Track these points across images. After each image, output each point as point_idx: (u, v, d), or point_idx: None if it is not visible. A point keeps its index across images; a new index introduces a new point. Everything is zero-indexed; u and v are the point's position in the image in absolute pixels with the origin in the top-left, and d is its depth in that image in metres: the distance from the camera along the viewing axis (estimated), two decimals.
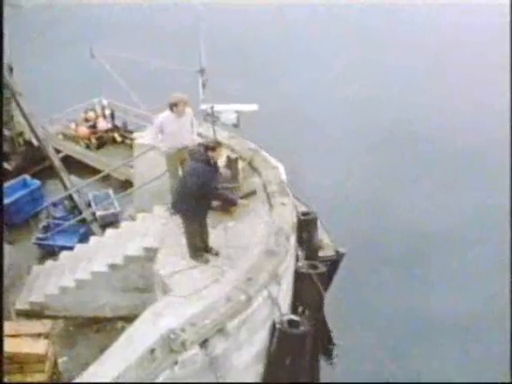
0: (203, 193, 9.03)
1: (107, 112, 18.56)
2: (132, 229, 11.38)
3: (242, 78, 24.71)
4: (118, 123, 18.37)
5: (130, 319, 10.91)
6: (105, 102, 18.79)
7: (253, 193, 11.14)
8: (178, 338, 8.03)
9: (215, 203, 9.82)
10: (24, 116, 12.85)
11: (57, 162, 12.89)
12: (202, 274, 9.38)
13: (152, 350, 8.01)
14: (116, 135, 17.93)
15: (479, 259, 17.10)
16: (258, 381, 9.45)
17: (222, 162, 9.70)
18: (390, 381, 14.54)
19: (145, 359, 7.98)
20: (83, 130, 17.93)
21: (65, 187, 12.98)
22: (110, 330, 11.17)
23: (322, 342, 12.61)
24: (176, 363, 8.03)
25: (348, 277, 14.25)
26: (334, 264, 12.26)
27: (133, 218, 12.60)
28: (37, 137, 13.14)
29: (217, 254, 9.74)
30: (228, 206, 10.35)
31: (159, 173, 12.20)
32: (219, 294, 8.77)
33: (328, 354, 14.00)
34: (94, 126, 18.12)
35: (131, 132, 17.72)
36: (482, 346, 15.30)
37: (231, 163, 10.90)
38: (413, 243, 17.64)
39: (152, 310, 8.95)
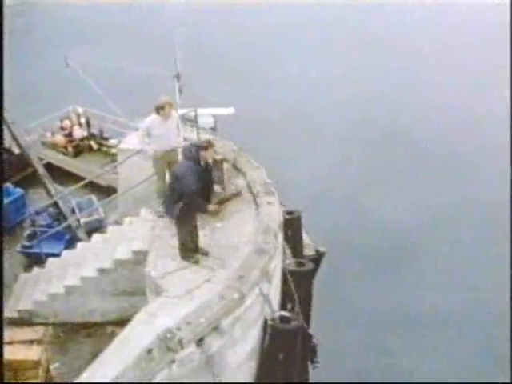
0: (193, 190, 9.17)
1: (83, 120, 18.54)
2: (119, 233, 11.46)
3: (227, 81, 24.92)
4: (94, 131, 18.36)
5: (119, 323, 11.00)
6: (80, 110, 18.77)
7: (238, 194, 11.30)
8: (175, 337, 8.13)
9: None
10: (6, 124, 12.84)
11: (41, 170, 12.90)
12: (194, 274, 9.49)
13: (149, 350, 8.07)
14: (92, 143, 17.93)
15: (459, 255, 17.61)
16: (252, 378, 9.57)
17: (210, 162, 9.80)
18: (371, 378, 14.89)
19: (142, 359, 8.04)
20: (59, 138, 17.89)
21: (49, 194, 12.97)
22: (101, 335, 11.21)
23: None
24: (174, 362, 8.12)
25: (329, 275, 14.51)
26: (314, 263, 12.42)
27: (118, 223, 12.67)
28: (20, 145, 13.13)
29: (206, 254, 9.87)
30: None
31: (143, 177, 12.34)
32: (212, 293, 8.89)
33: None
34: (69, 135, 18.09)
35: (107, 139, 17.81)
36: (462, 340, 15.70)
37: (216, 164, 11.03)
38: (394, 241, 18.04)
39: (146, 311, 9.03)
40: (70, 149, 17.59)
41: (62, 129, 18.22)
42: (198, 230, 9.89)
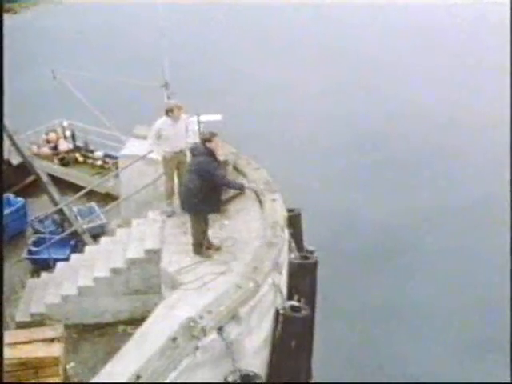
0: (212, 184, 9.65)
1: (68, 133, 18.82)
2: (128, 235, 11.81)
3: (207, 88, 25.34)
4: (80, 143, 18.66)
5: (130, 322, 11.40)
6: (65, 123, 19.05)
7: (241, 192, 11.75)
8: (198, 325, 8.53)
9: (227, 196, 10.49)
10: (8, 134, 13.14)
11: (44, 178, 13.20)
12: (208, 268, 9.91)
13: (174, 339, 8.44)
14: (78, 155, 18.20)
15: (446, 253, 18.33)
16: (266, 365, 9.99)
17: (220, 151, 10.26)
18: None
19: (167, 348, 8.37)
20: (45, 151, 18.15)
21: (54, 202, 13.26)
22: (112, 334, 11.47)
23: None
24: (197, 349, 8.50)
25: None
26: None
27: (122, 228, 13.02)
28: (22, 154, 13.42)
29: (218, 249, 10.33)
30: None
31: (145, 182, 12.75)
32: (228, 284, 9.33)
33: None
34: (55, 147, 18.35)
35: (92, 152, 18.14)
36: (446, 332, 16.30)
37: (221, 165, 11.47)
38: (382, 241, 18.65)
39: (165, 305, 9.38)
40: (55, 161, 17.85)
41: (48, 142, 18.47)
42: (208, 226, 10.34)
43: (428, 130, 24.28)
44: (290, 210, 12.14)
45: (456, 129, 24.48)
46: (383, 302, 17.27)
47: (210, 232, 10.59)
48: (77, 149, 18.45)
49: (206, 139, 9.93)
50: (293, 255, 11.18)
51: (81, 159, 18.11)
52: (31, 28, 32.51)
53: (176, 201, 11.52)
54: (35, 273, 13.06)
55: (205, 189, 9.67)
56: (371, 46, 31.37)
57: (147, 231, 11.39)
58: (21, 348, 9.79)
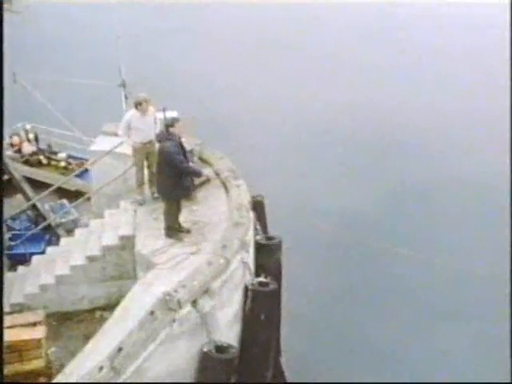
0: (177, 167, 10.31)
1: (31, 136, 19.22)
2: (102, 225, 12.39)
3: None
4: (43, 146, 19.07)
5: (107, 308, 11.96)
6: (28, 126, 19.45)
7: (207, 180, 12.45)
8: (174, 298, 9.18)
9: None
10: None
11: (18, 176, 13.70)
12: (181, 249, 10.61)
13: (152, 312, 9.07)
14: (41, 157, 18.62)
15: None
16: (238, 338, 10.68)
17: (184, 135, 10.88)
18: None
19: (146, 321, 8.98)
20: (9, 154, 18.51)
21: (27, 198, 13.77)
22: (91, 320, 12.00)
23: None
24: (174, 321, 9.16)
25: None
26: None
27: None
28: None
29: (189, 232, 11.01)
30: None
31: (115, 176, 13.31)
32: (200, 262, 10.01)
33: None
34: (19, 151, 18.73)
35: (56, 153, 18.61)
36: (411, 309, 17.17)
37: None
38: (342, 226, 19.50)
39: (142, 283, 10.05)
40: (19, 164, 18.22)
41: (12, 145, 18.85)
42: (180, 211, 11.01)
43: (393, 115, 25.32)
44: (252, 197, 12.86)
45: (424, 115, 25.60)
46: (348, 285, 18.07)
47: (181, 217, 11.26)
48: (40, 151, 18.84)
49: (169, 125, 10.62)
50: (258, 236, 11.89)
51: (45, 161, 18.51)
52: None
53: (146, 190, 12.21)
54: (12, 267, 13.49)
55: (175, 174, 10.34)
56: (327, 42, 32.39)
57: (120, 220, 12.00)
58: (4, 332, 10.31)
